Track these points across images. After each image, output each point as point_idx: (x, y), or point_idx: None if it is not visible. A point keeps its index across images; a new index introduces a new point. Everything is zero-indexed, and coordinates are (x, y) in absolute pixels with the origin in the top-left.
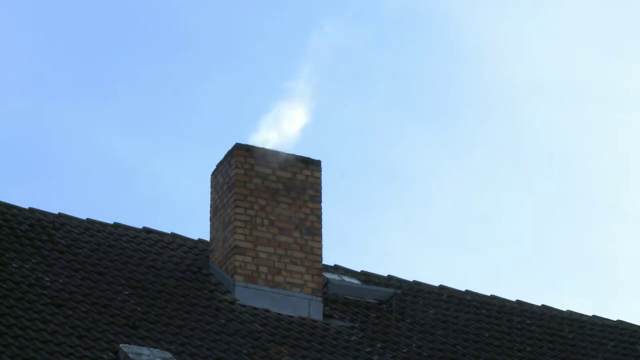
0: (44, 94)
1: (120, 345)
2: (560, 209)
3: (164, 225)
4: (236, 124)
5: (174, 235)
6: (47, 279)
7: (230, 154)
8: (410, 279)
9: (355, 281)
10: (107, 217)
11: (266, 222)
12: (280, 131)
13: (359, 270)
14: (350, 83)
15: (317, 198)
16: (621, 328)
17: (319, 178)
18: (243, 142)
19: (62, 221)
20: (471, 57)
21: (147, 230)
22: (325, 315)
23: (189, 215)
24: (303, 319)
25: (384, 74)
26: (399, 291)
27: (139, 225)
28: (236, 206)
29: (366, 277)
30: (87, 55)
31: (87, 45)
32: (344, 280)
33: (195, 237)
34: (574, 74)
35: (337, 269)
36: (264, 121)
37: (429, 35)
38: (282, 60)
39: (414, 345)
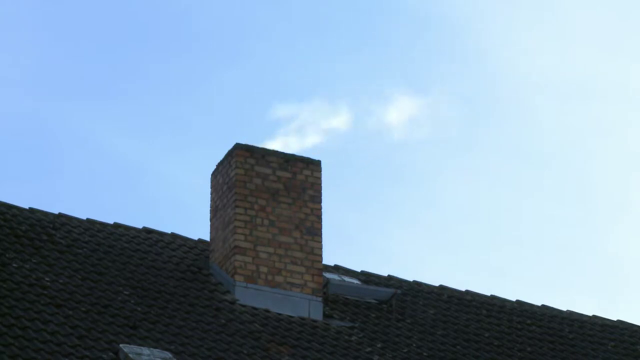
0: (44, 93)
1: (120, 345)
2: (561, 209)
3: (164, 225)
4: (237, 124)
5: (174, 235)
6: (47, 279)
7: (230, 154)
8: (410, 279)
9: (355, 281)
10: (108, 217)
11: (266, 222)
12: (281, 131)
13: (359, 270)
14: (352, 83)
15: (317, 198)
16: (621, 328)
17: (319, 178)
18: (244, 142)
19: (62, 221)
20: (476, 57)
21: (147, 231)
22: (325, 315)
23: (189, 215)
24: (303, 319)
25: (387, 73)
26: (399, 291)
27: (139, 225)
28: (236, 206)
29: (366, 277)
30: (88, 54)
31: (88, 45)
32: (344, 281)
33: (195, 237)
34: (579, 73)
35: (337, 269)
36: (265, 121)
37: (433, 35)
38: (284, 61)
39: (414, 345)
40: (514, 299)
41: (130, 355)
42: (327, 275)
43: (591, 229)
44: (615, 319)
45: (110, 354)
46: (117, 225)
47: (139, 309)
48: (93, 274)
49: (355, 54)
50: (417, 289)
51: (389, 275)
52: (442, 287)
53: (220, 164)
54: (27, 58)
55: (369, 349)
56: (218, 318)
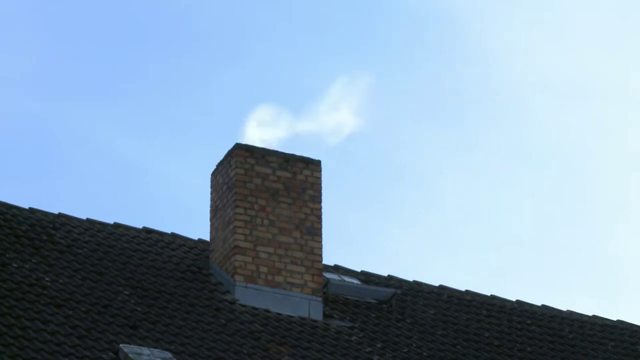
0: (44, 93)
1: (120, 345)
2: (561, 209)
3: (164, 225)
4: (238, 124)
5: (174, 235)
6: (47, 279)
7: (230, 154)
8: (410, 279)
9: (355, 281)
10: (108, 217)
11: (266, 222)
12: (282, 131)
13: (359, 270)
14: (355, 82)
15: (317, 198)
16: (621, 328)
17: (319, 178)
18: (244, 142)
19: (62, 221)
20: (479, 56)
21: (147, 230)
22: (325, 315)
23: (189, 215)
24: (303, 319)
25: (391, 73)
26: (399, 291)
27: (139, 225)
28: (236, 206)
29: (366, 277)
30: (88, 54)
31: (88, 45)
32: (344, 280)
33: (195, 237)
34: (579, 73)
35: (337, 269)
36: (265, 121)
37: (436, 35)
38: (285, 60)
39: (414, 345)
40: (514, 299)
41: (130, 355)
42: (327, 275)
43: (591, 229)
44: (615, 319)
45: (110, 354)
46: (117, 225)
47: (139, 309)
48: (93, 274)
49: (355, 54)
50: (417, 289)
51: (389, 275)
52: (442, 287)
53: (220, 164)
54: (27, 58)
55: (369, 349)
56: (218, 318)
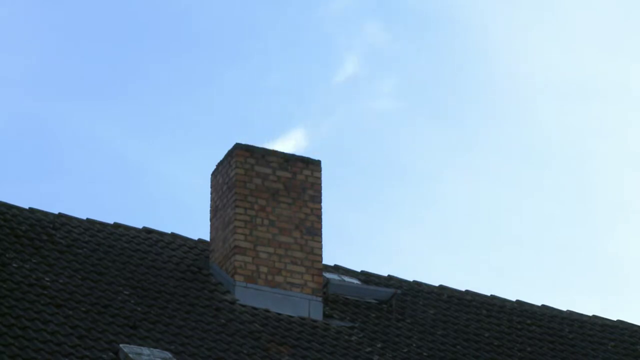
0: (44, 93)
1: (120, 345)
2: (561, 209)
3: (164, 225)
4: (237, 124)
5: (174, 235)
6: (47, 279)
7: (230, 154)
8: (410, 279)
9: (355, 281)
10: (108, 217)
11: (266, 222)
12: (283, 131)
13: (359, 270)
14: (355, 82)
15: (317, 198)
16: (621, 328)
17: (319, 178)
18: (244, 142)
19: (62, 221)
20: (480, 56)
21: (147, 230)
22: (325, 315)
23: (189, 215)
24: (303, 319)
25: (392, 72)
26: (399, 291)
27: (139, 225)
28: (236, 206)
29: (366, 277)
30: (88, 54)
31: (88, 45)
32: (344, 280)
33: (195, 237)
34: (579, 73)
35: (337, 269)
36: (265, 121)
37: (438, 35)
38: (286, 60)
39: (414, 345)
40: (514, 299)
41: (130, 355)
42: (327, 275)
43: (591, 229)
44: (615, 319)
45: (110, 354)
46: (117, 225)
47: (139, 309)
48: (93, 274)
49: (355, 54)
50: (417, 289)
51: (389, 275)
52: (442, 287)
53: (220, 164)
54: (27, 58)
55: (369, 349)
56: (218, 318)
